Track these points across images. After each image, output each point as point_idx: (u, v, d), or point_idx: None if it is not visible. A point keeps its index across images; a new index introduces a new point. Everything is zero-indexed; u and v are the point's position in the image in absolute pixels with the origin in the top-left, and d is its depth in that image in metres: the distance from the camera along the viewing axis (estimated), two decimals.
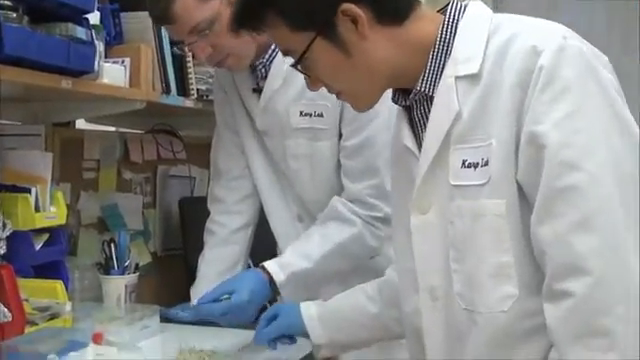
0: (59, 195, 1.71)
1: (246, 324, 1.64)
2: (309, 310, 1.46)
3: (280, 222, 1.80)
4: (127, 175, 2.32)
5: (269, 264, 1.64)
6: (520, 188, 1.00)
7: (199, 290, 1.87)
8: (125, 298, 1.74)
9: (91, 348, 1.33)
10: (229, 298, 1.57)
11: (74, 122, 2.18)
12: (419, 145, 1.12)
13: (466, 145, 1.04)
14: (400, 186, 1.21)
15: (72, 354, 1.27)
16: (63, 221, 1.71)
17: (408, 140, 1.14)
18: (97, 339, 1.58)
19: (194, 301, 1.85)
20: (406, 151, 1.15)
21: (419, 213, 1.11)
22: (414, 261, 1.13)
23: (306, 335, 1.45)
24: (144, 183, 2.41)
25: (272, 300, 1.67)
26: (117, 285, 1.73)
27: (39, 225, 1.64)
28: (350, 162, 1.70)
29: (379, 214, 1.64)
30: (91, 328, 1.60)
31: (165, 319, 1.85)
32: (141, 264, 2.26)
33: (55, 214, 1.69)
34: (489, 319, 1.03)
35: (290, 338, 1.49)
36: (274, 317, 1.49)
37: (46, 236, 1.69)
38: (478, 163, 1.03)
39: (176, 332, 1.71)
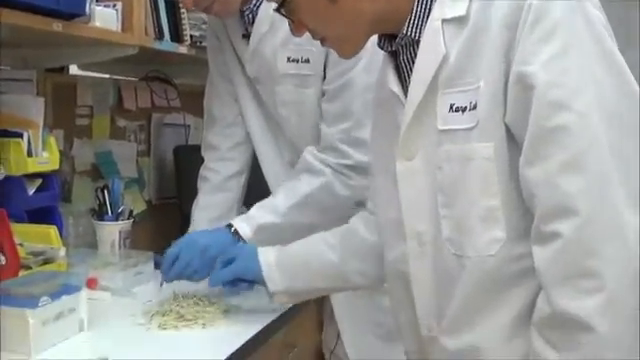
0: (51, 140, 1.70)
1: None
2: (267, 255, 1.42)
3: (272, 169, 1.80)
4: (121, 122, 2.31)
5: (236, 221, 1.64)
6: (508, 130, 0.99)
7: None
8: (119, 244, 1.74)
9: (85, 292, 1.33)
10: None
11: (67, 69, 2.15)
12: (405, 91, 1.11)
13: (454, 89, 1.03)
14: (384, 133, 1.19)
15: (65, 297, 1.27)
16: (56, 166, 1.71)
17: (394, 85, 1.12)
18: (91, 284, 1.59)
19: None
20: (392, 96, 1.13)
21: (405, 159, 1.10)
22: (400, 209, 1.12)
23: (262, 281, 1.41)
24: (138, 131, 2.40)
25: None
26: (111, 231, 1.74)
27: (32, 170, 1.63)
28: (328, 105, 1.68)
29: (349, 162, 1.63)
30: (85, 273, 1.61)
31: (160, 265, 1.85)
32: (136, 212, 2.27)
33: (48, 159, 1.68)
34: (477, 263, 1.03)
35: (249, 283, 1.44)
36: (231, 260, 1.45)
37: (39, 181, 1.69)
38: (466, 107, 1.02)
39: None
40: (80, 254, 1.72)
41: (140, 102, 2.39)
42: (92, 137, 2.15)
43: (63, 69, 2.11)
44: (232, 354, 1.24)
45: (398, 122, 1.11)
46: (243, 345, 1.29)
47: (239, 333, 1.35)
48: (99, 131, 2.19)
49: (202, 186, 1.90)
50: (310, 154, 1.68)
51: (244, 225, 1.62)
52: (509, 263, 1.01)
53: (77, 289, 1.31)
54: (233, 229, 1.61)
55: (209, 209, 1.85)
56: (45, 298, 1.22)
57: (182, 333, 1.35)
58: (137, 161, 2.36)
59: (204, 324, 1.39)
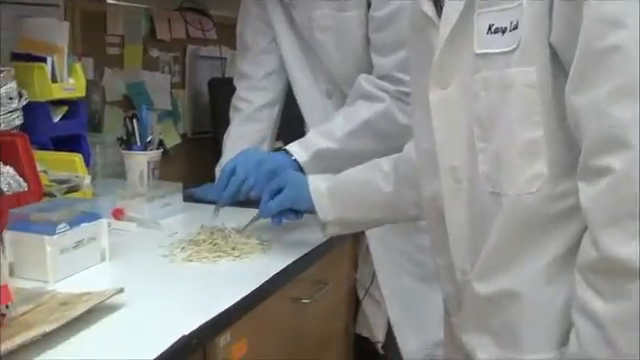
0: (77, 67, 1.64)
1: None
2: (317, 184, 1.34)
3: (308, 98, 1.71)
4: (154, 53, 2.24)
5: (291, 146, 1.56)
6: (553, 52, 0.88)
7: None
8: (148, 175, 1.68)
9: (106, 221, 1.27)
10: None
11: None
12: (439, 12, 1.00)
13: (493, 7, 0.92)
14: (418, 59, 1.09)
15: (85, 225, 1.21)
16: (82, 94, 1.65)
17: (427, 6, 1.02)
18: (117, 214, 1.54)
19: None
20: (425, 19, 1.03)
21: (439, 88, 1.00)
22: (434, 141, 1.03)
23: (312, 210, 1.34)
24: (172, 62, 2.33)
25: None
26: (139, 161, 1.67)
27: (56, 96, 1.58)
28: (379, 35, 1.58)
29: (408, 89, 1.53)
30: (112, 203, 1.57)
31: (190, 198, 1.80)
32: (170, 145, 2.24)
33: (74, 86, 1.62)
34: (516, 201, 0.93)
35: (295, 213, 1.37)
36: (279, 190, 1.37)
37: (65, 109, 1.63)
38: (506, 27, 0.91)
39: (199, 211, 1.66)
40: (107, 184, 1.67)
41: (174, 33, 2.31)
42: (123, 67, 2.09)
43: None
44: (256, 289, 1.17)
45: (432, 47, 1.01)
46: (269, 279, 1.22)
47: (269, 265, 1.28)
48: (131, 61, 2.12)
49: (234, 116, 1.83)
50: (366, 80, 1.59)
51: (300, 150, 1.55)
52: (551, 202, 0.91)
53: (98, 217, 1.26)
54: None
55: (241, 140, 1.77)
56: (63, 225, 1.17)
57: (205, 265, 1.28)
58: (171, 93, 2.30)
59: (238, 255, 1.33)
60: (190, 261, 1.29)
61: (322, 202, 1.33)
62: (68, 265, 1.18)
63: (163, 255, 1.32)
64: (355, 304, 1.82)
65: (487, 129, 0.95)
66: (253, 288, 1.17)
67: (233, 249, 1.34)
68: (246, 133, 1.78)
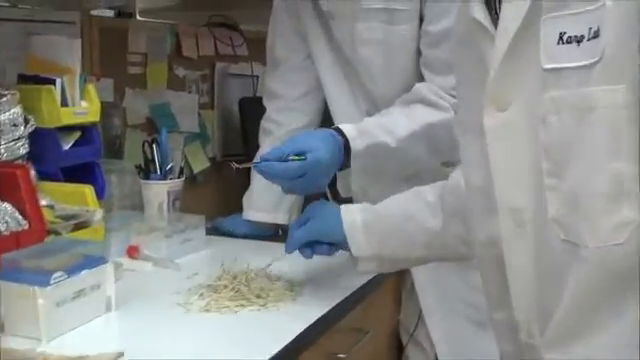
0: (91, 88, 1.49)
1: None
2: (351, 215, 1.17)
3: (346, 120, 1.52)
4: (180, 72, 2.09)
5: (347, 127, 1.36)
6: None
7: (253, 201, 1.65)
8: (168, 207, 1.52)
9: (111, 266, 1.11)
10: (304, 158, 1.22)
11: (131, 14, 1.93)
12: (495, 20, 0.82)
13: (565, 11, 0.74)
14: (468, 77, 0.92)
15: (85, 272, 1.05)
16: (96, 118, 1.50)
17: (479, 12, 0.84)
18: (132, 252, 1.39)
19: (247, 211, 1.64)
20: (477, 28, 0.84)
21: (496, 110, 0.82)
22: (490, 176, 0.85)
23: (345, 245, 1.16)
24: (200, 81, 2.18)
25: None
26: (158, 192, 1.52)
27: (66, 122, 1.43)
28: (434, 51, 1.41)
29: None
30: (126, 239, 1.41)
31: (215, 231, 1.64)
32: (197, 170, 2.09)
33: (86, 109, 1.47)
34: (597, 254, 0.74)
35: (328, 245, 1.19)
36: (307, 219, 1.19)
37: (77, 135, 1.48)
38: (583, 35, 0.72)
39: (224, 247, 1.50)
40: (124, 217, 1.51)
41: (202, 50, 2.15)
42: (146, 87, 1.94)
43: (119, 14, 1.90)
44: (284, 347, 0.99)
45: (486, 62, 0.83)
46: (300, 334, 1.04)
47: (299, 316, 1.11)
48: (155, 81, 1.97)
49: (264, 140, 1.67)
50: (427, 88, 1.41)
51: (356, 135, 1.35)
52: None
53: (103, 261, 1.09)
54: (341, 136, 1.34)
55: None
56: (59, 274, 1.01)
57: (225, 317, 1.11)
58: (199, 114, 2.15)
59: (264, 304, 1.15)
60: (208, 311, 1.12)
61: (356, 236, 1.16)
62: (65, 319, 1.02)
63: (178, 304, 1.15)
64: (398, 350, 1.63)
65: (559, 162, 0.76)
66: (281, 345, 0.99)
67: (258, 296, 1.16)
68: None
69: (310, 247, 1.19)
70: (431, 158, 1.38)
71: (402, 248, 1.15)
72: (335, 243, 1.19)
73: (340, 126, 1.36)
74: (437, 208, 1.12)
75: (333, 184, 1.51)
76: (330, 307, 1.16)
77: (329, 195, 1.56)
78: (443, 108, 1.37)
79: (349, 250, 1.17)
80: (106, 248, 1.15)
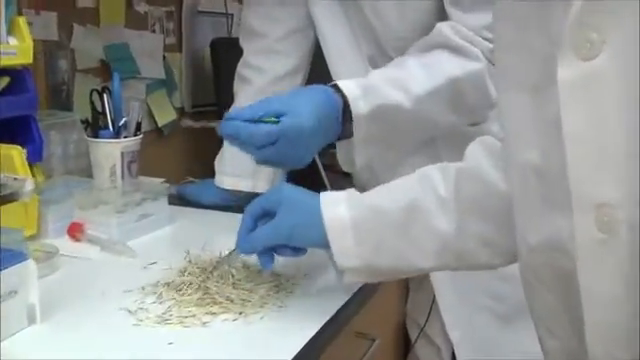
0: (21, 22, 1.17)
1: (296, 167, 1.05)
2: (336, 210, 0.85)
3: (344, 66, 1.22)
4: (141, 7, 1.76)
5: (348, 84, 1.05)
6: None
7: (225, 164, 1.36)
8: (122, 172, 1.22)
9: (32, 264, 0.81)
10: (277, 121, 0.96)
11: None
12: None
13: None
14: (521, 12, 0.65)
15: None
16: (29, 59, 1.18)
17: None
18: (74, 232, 1.10)
19: (219, 177, 1.35)
20: None
21: (578, 58, 0.56)
22: (559, 151, 0.58)
23: (325, 246, 0.86)
24: (165, 19, 1.86)
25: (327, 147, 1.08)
26: (109, 152, 1.22)
27: None
28: None
29: None
30: (68, 216, 1.12)
31: (180, 200, 1.35)
32: (163, 123, 1.80)
33: (15, 48, 1.16)
34: None
35: (295, 250, 0.89)
36: (273, 212, 0.88)
37: (5, 81, 1.18)
38: None
39: (192, 223, 1.22)
40: (67, 186, 1.21)
41: None
42: (99, 24, 1.62)
43: None
44: None
45: None
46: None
47: (288, 329, 0.83)
48: (110, 17, 1.65)
49: (240, 89, 1.36)
50: (452, 29, 1.10)
51: (359, 95, 1.04)
52: None
53: (22, 258, 0.80)
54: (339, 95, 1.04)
55: None
56: None
57: (188, 331, 0.82)
58: (164, 58, 1.84)
59: (241, 312, 0.86)
60: (167, 322, 0.83)
61: (342, 241, 0.84)
62: None
63: (129, 311, 0.86)
64: (404, 347, 1.36)
65: None
66: None
67: (232, 301, 0.87)
68: None
69: (272, 251, 0.89)
70: (455, 120, 1.09)
71: (403, 258, 0.85)
72: (312, 246, 0.89)
73: (339, 83, 1.05)
74: (449, 203, 0.83)
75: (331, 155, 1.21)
76: (329, 316, 0.87)
77: (321, 169, 1.27)
78: (473, 56, 1.07)
79: (331, 259, 0.86)
80: (17, 240, 0.84)
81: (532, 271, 0.69)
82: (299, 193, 0.90)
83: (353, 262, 0.84)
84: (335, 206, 0.85)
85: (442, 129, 1.11)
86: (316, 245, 0.86)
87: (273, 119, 0.94)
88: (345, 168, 1.16)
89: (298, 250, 0.89)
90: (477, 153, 0.85)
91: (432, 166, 0.88)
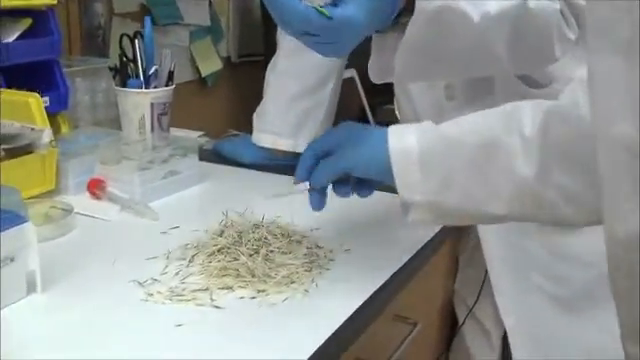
0: None
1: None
2: (403, 139, 0.76)
3: None
4: None
5: None
6: None
7: (266, 120, 1.25)
8: (152, 124, 1.13)
9: (32, 229, 0.73)
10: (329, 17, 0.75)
11: None
12: None
13: None
14: None
15: None
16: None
17: None
18: (94, 188, 1.01)
19: (257, 134, 1.25)
20: None
21: None
22: None
23: (390, 178, 0.76)
24: None
25: None
26: (138, 103, 1.12)
27: (7, 3, 1.03)
28: None
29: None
30: (90, 170, 1.04)
31: (217, 156, 1.26)
32: (207, 72, 1.71)
33: None
34: None
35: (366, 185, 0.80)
36: (334, 148, 0.78)
37: (27, 23, 1.09)
38: None
39: (223, 182, 1.12)
40: (91, 137, 1.12)
41: None
42: None
43: None
44: None
45: None
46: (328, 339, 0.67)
47: (315, 320, 0.73)
48: None
49: (283, 40, 1.24)
50: None
51: None
52: None
53: (20, 220, 0.72)
54: None
55: (292, 78, 1.19)
56: None
57: (209, 312, 0.72)
58: (210, 4, 1.73)
59: (263, 290, 0.76)
60: (179, 299, 0.74)
61: (407, 171, 0.75)
62: None
63: (138, 282, 0.77)
64: (451, 329, 1.25)
65: None
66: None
67: (252, 275, 0.78)
68: (300, 69, 1.19)
69: (341, 183, 0.79)
70: (510, 63, 0.93)
71: (474, 198, 0.74)
72: (370, 180, 0.79)
73: None
74: (533, 145, 0.71)
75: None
76: (363, 299, 0.77)
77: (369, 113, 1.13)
78: None
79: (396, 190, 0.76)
80: (17, 201, 0.75)
81: (620, 267, 0.57)
82: (364, 126, 0.81)
83: (418, 196, 0.74)
84: (404, 135, 0.76)
85: (495, 69, 0.96)
86: (380, 177, 0.76)
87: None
88: (375, 79, 1.01)
89: (361, 188, 0.79)
90: (577, 91, 0.72)
91: (525, 101, 0.75)
